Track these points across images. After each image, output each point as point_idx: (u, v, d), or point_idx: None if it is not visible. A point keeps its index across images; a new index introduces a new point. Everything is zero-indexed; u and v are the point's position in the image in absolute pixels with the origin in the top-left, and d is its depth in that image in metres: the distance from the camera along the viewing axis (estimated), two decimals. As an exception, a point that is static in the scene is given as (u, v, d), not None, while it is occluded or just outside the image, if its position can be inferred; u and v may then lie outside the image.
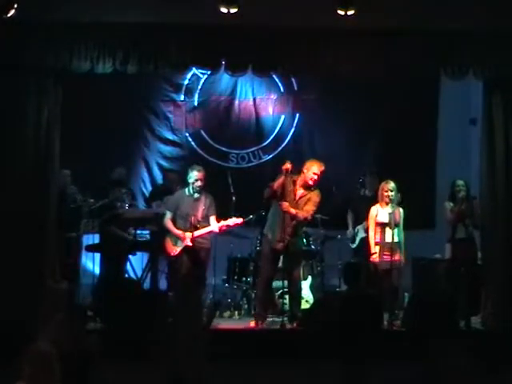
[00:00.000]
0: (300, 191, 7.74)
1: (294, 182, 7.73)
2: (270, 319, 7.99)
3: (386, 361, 5.97)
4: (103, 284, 8.44)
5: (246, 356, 6.78)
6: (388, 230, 7.80)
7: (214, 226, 7.78)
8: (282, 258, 7.82)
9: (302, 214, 7.66)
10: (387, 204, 7.86)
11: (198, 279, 7.73)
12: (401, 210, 7.91)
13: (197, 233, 7.77)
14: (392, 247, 7.73)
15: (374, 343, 6.06)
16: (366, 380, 5.25)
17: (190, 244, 7.76)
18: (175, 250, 7.83)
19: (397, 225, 7.81)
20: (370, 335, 6.08)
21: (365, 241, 8.28)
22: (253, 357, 6.80)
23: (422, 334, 6.69)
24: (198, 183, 7.80)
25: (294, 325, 7.62)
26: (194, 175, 7.80)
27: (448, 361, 4.64)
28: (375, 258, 7.84)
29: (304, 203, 7.71)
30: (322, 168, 7.70)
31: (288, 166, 7.55)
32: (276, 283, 8.14)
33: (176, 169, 9.90)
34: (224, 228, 7.85)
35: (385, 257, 7.78)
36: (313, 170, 7.69)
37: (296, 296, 7.89)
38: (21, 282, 7.20)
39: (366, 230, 8.26)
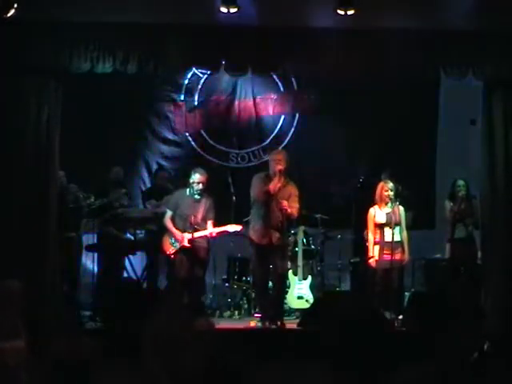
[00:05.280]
0: (276, 183, 7.62)
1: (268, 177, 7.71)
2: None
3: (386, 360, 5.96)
4: (103, 284, 8.44)
5: (246, 356, 6.75)
6: (387, 230, 7.79)
7: (212, 230, 7.82)
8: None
9: (295, 212, 7.63)
10: (386, 204, 7.85)
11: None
12: (401, 208, 7.91)
13: (196, 234, 7.79)
14: (392, 246, 7.73)
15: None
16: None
17: (188, 244, 7.77)
18: (172, 248, 7.86)
19: (397, 224, 7.81)
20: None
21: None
22: (252, 357, 6.78)
23: (422, 334, 6.68)
24: (200, 186, 7.83)
25: (279, 324, 7.50)
26: (196, 178, 7.83)
27: (448, 360, 4.63)
28: (372, 261, 7.84)
29: (287, 196, 7.62)
30: (279, 154, 7.82)
31: (281, 166, 7.56)
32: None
33: (176, 168, 9.92)
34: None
35: (385, 256, 7.78)
36: (271, 158, 7.76)
37: (279, 293, 7.82)
38: (21, 282, 7.18)
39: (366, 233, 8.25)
